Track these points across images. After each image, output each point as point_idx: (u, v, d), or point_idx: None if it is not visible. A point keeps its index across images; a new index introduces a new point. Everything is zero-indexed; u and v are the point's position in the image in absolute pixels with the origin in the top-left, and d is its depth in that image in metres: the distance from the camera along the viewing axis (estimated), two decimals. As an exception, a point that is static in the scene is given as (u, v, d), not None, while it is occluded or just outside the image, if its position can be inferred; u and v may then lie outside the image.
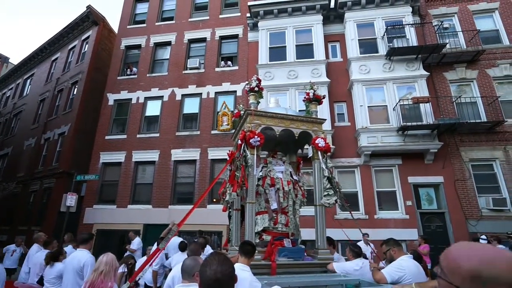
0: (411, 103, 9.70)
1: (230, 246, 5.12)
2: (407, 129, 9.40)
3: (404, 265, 3.07)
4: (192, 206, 11.06)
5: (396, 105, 9.86)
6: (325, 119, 5.04)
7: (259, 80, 4.70)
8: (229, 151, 5.57)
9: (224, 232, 10.14)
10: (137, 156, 11.90)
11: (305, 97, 4.89)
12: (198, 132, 11.68)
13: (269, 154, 4.94)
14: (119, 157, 12.04)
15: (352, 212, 6.13)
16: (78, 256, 3.72)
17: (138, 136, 12.22)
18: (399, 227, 9.31)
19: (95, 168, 12.12)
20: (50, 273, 4.14)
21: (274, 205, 4.33)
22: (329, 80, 10.89)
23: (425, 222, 9.45)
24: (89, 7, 15.12)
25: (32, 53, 19.07)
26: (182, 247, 5.64)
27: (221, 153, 11.14)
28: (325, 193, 4.30)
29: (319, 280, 3.24)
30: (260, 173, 4.52)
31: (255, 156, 4.17)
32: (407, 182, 9.80)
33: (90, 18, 15.32)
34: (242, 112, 5.60)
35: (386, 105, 10.25)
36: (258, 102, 4.69)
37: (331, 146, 8.24)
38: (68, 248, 5.48)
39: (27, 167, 15.61)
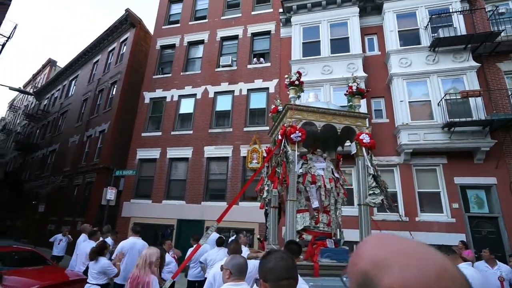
0: (458, 97, 8.93)
1: (267, 244, 5.02)
2: (454, 126, 8.66)
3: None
4: (226, 202, 11.12)
5: (441, 99, 9.13)
6: (369, 114, 4.74)
7: (300, 74, 4.53)
8: (266, 147, 5.49)
9: (256, 230, 10.09)
10: (171, 152, 12.23)
11: (347, 91, 4.66)
12: (231, 129, 11.72)
13: (309, 151, 4.76)
14: (155, 153, 12.45)
15: (396, 214, 5.76)
16: (139, 242, 5.28)
17: (172, 133, 12.55)
18: (444, 231, 8.63)
19: (132, 164, 12.65)
20: (94, 268, 4.27)
21: (315, 204, 4.15)
22: (366, 74, 10.38)
23: (474, 227, 8.67)
24: (127, 10, 15.80)
25: (77, 56, 20.41)
26: (219, 243, 5.63)
27: (253, 150, 11.09)
28: (371, 192, 4.04)
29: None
30: (300, 170, 4.35)
31: (296, 152, 4.01)
32: (453, 183, 9.05)
33: (128, 20, 16.01)
34: (279, 107, 5.49)
35: (430, 100, 9.53)
36: (299, 97, 4.52)
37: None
38: (107, 240, 5.73)
39: (71, 162, 16.74)
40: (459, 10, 9.85)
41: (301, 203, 4.24)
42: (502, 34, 9.33)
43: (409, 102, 9.69)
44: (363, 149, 4.20)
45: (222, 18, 13.81)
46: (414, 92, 9.85)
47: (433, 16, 9.94)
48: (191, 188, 11.45)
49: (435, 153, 9.28)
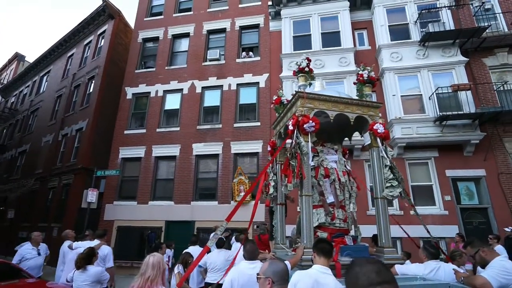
0: (450, 91, 9.04)
1: (275, 243, 4.70)
2: (446, 119, 8.76)
3: (509, 267, 2.57)
4: (217, 201, 10.62)
5: (432, 93, 9.22)
6: (382, 103, 4.54)
7: (309, 60, 4.24)
8: (271, 140, 5.15)
9: (250, 229, 9.72)
10: (157, 151, 11.59)
11: (357, 79, 4.45)
12: (220, 126, 11.27)
13: (318, 143, 4.48)
14: (139, 152, 11.75)
15: (403, 207, 5.63)
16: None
17: (157, 130, 11.90)
18: (438, 223, 8.70)
19: (114, 163, 11.87)
20: (83, 279, 3.70)
21: (330, 198, 3.87)
22: (358, 69, 10.30)
23: (466, 218, 8.82)
24: (105, 0, 14.85)
25: (48, 50, 19.00)
26: (218, 245, 5.24)
27: (244, 146, 10.76)
28: (388, 184, 3.82)
29: (400, 284, 2.76)
30: (312, 163, 4.05)
31: (309, 143, 3.71)
32: (444, 176, 9.18)
33: (106, 11, 15.06)
34: (283, 98, 5.18)
35: (421, 94, 9.61)
36: (310, 84, 4.22)
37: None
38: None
39: (45, 164, 15.52)
40: (447, 5, 9.99)
41: (314, 198, 3.94)
42: (487, 30, 9.56)
43: (401, 96, 9.71)
44: (378, 139, 3.98)
45: (208, 10, 13.28)
46: (406, 86, 9.89)
47: (423, 11, 10.02)
48: (180, 187, 10.89)
49: (427, 146, 9.37)
